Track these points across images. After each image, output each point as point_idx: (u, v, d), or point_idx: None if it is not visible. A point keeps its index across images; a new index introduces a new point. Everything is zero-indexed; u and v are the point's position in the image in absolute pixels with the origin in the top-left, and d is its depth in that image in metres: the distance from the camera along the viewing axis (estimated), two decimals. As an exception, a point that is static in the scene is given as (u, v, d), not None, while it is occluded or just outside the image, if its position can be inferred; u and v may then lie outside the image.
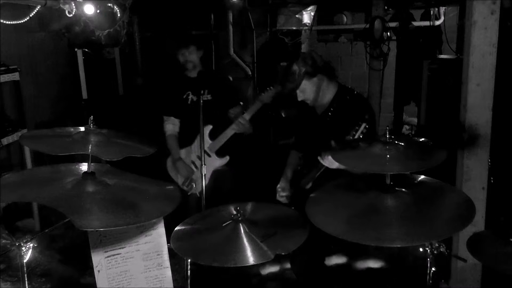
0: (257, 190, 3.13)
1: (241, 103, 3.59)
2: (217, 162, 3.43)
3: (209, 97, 3.44)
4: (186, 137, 3.48)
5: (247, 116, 3.30)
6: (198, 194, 3.40)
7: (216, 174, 3.43)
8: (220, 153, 3.43)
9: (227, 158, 3.44)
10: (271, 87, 3.15)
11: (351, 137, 2.35)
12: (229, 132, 3.35)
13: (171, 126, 3.55)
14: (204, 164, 2.84)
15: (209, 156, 3.40)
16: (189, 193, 3.44)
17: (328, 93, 2.68)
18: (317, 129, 2.72)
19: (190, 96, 3.46)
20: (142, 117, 5.41)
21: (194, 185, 3.42)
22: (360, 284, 2.85)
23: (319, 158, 2.44)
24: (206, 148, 3.39)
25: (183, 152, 3.51)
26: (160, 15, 5.76)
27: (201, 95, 2.92)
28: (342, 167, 2.32)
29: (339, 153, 2.07)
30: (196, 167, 3.46)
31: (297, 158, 2.96)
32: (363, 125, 2.30)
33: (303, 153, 2.93)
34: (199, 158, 3.41)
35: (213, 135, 3.41)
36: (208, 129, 3.40)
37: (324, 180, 2.35)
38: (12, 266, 3.53)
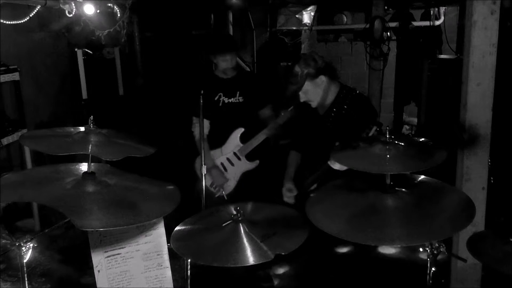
0: (263, 191, 3.10)
1: (271, 104, 3.49)
2: (246, 166, 3.39)
3: (240, 99, 3.37)
4: (217, 139, 3.40)
5: (280, 121, 3.23)
6: (225, 197, 3.36)
7: (245, 177, 3.38)
8: (250, 156, 3.38)
9: (257, 162, 3.39)
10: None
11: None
12: (261, 137, 3.30)
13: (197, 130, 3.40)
14: (205, 165, 2.83)
15: (239, 159, 3.37)
16: (216, 196, 3.38)
17: (330, 93, 2.68)
18: (320, 130, 2.72)
19: (222, 98, 3.38)
20: (142, 117, 5.42)
21: (222, 188, 3.37)
22: (360, 284, 2.85)
23: (329, 162, 2.43)
24: (236, 151, 3.37)
25: (214, 153, 3.43)
26: (160, 15, 5.77)
27: (200, 94, 2.90)
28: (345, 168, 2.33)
29: (339, 153, 2.07)
30: (225, 169, 3.40)
31: (298, 158, 2.95)
32: (374, 127, 2.29)
33: (304, 153, 2.93)
34: (229, 160, 3.38)
35: (244, 138, 3.36)
36: (239, 132, 3.35)
37: (328, 181, 2.34)
38: (12, 266, 3.53)
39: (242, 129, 3.35)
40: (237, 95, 3.37)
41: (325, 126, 2.68)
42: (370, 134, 2.27)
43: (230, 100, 3.35)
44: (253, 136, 3.33)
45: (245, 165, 3.38)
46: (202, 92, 2.91)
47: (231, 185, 3.39)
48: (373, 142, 1.94)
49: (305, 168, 2.87)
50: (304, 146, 2.91)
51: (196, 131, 3.43)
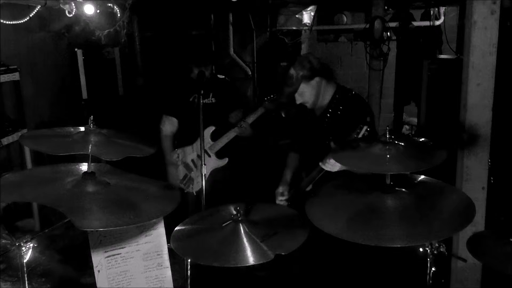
0: (256, 190, 3.14)
1: (241, 109, 3.67)
2: (216, 163, 3.50)
3: (213, 100, 3.52)
4: (190, 136, 3.53)
5: (249, 120, 3.39)
6: (194, 193, 3.47)
7: (215, 174, 3.47)
8: (219, 154, 3.50)
9: (226, 159, 3.52)
10: (276, 97, 3.18)
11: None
12: (231, 135, 3.44)
13: (169, 126, 3.61)
14: (204, 164, 2.85)
15: (209, 156, 3.47)
16: (185, 191, 3.50)
17: (327, 94, 2.67)
18: (316, 131, 2.72)
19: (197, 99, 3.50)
20: (142, 117, 5.42)
21: (191, 184, 3.48)
22: (360, 284, 2.85)
23: (320, 163, 2.44)
24: (207, 148, 3.43)
25: (186, 150, 3.55)
26: (160, 15, 5.76)
27: (200, 95, 2.95)
28: (343, 168, 2.33)
29: (340, 153, 2.07)
30: (195, 165, 3.51)
31: (296, 160, 2.95)
32: (365, 127, 2.30)
33: (302, 154, 2.93)
34: (200, 157, 3.44)
35: (214, 137, 3.50)
36: (210, 130, 3.48)
37: (324, 182, 2.35)
38: (12, 266, 3.53)
39: (213, 128, 3.49)
40: (210, 96, 3.53)
41: (321, 127, 2.68)
42: (361, 135, 2.28)
43: (204, 101, 3.44)
44: (223, 134, 3.46)
45: (214, 162, 3.49)
46: (202, 92, 2.96)
47: (200, 181, 3.45)
48: (373, 142, 1.94)
49: (302, 169, 2.87)
50: (301, 147, 2.92)
51: (164, 128, 3.61)
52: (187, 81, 3.53)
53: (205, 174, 2.87)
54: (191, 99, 3.49)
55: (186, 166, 3.53)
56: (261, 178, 3.59)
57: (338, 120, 2.62)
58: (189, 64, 3.50)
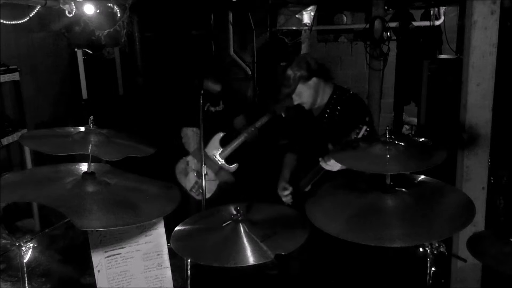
0: (261, 190, 3.14)
1: (244, 113, 3.67)
2: (226, 169, 3.46)
3: (222, 107, 3.54)
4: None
5: (258, 125, 3.36)
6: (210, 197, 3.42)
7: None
8: (229, 160, 3.47)
9: (236, 165, 3.49)
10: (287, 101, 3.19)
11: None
12: (240, 140, 3.42)
13: (192, 138, 3.56)
14: (205, 164, 2.85)
15: (219, 162, 3.45)
16: (197, 198, 3.45)
17: (325, 95, 2.67)
18: (314, 131, 2.72)
19: (210, 108, 3.55)
20: (142, 117, 5.42)
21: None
22: (360, 284, 2.85)
23: (320, 163, 2.43)
24: (217, 155, 3.43)
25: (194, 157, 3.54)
26: (160, 15, 5.77)
27: (201, 95, 2.94)
28: (343, 167, 2.33)
29: (340, 153, 2.07)
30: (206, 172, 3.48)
31: (294, 160, 2.95)
32: (364, 127, 2.30)
33: (300, 155, 2.93)
34: (210, 163, 3.43)
35: (223, 143, 3.48)
36: (219, 136, 3.46)
37: (324, 182, 2.35)
38: (12, 266, 3.52)
39: (222, 134, 3.47)
40: (220, 103, 3.55)
41: (320, 127, 2.68)
42: (360, 135, 2.28)
43: (216, 109, 3.48)
44: (232, 140, 3.44)
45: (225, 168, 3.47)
46: (202, 92, 2.95)
47: (212, 188, 3.44)
48: (373, 142, 1.94)
49: (300, 169, 2.87)
50: (299, 147, 2.92)
51: (187, 143, 3.56)
52: (195, 88, 3.53)
53: (205, 174, 2.86)
54: (205, 109, 3.46)
55: (198, 173, 3.48)
56: (264, 179, 3.59)
57: (336, 120, 2.62)
58: (194, 76, 3.50)
